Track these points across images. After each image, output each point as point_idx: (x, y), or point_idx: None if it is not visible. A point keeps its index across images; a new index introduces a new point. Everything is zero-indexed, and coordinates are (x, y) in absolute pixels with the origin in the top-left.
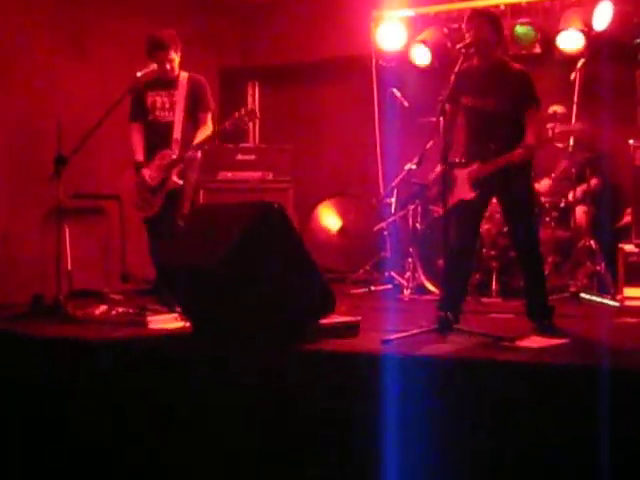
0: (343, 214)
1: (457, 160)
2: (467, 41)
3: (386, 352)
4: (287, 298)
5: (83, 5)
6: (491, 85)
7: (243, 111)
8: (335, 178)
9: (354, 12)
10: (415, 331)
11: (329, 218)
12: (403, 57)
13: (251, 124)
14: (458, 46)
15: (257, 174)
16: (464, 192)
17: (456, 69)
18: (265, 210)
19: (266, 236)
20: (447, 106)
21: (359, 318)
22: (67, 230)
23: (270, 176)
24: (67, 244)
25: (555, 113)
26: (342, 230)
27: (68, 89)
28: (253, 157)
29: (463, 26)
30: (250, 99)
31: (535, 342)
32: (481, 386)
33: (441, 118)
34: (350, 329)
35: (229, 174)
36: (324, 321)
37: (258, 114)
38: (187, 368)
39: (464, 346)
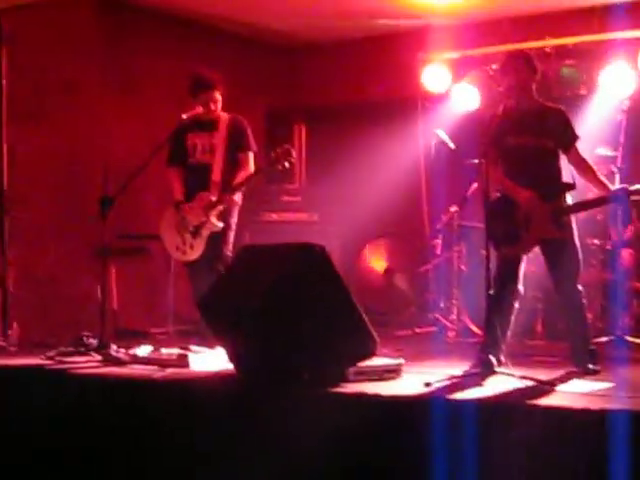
0: (389, 255)
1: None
2: (508, 84)
3: (427, 396)
4: (328, 340)
5: (134, 46)
6: (531, 125)
7: (279, 151)
8: (381, 219)
9: (400, 54)
10: (457, 374)
11: (375, 259)
12: (449, 98)
13: (297, 164)
14: (499, 89)
15: (303, 215)
16: (547, 230)
17: (496, 112)
18: (307, 251)
19: (308, 278)
20: (489, 149)
21: (402, 361)
22: (113, 270)
23: (315, 217)
24: (113, 284)
25: (601, 155)
26: (388, 271)
27: (115, 130)
28: (299, 198)
29: (499, 69)
30: (297, 140)
31: (577, 387)
32: (519, 431)
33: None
34: (392, 372)
35: (274, 215)
36: (365, 364)
37: (294, 154)
38: (225, 411)
39: (505, 390)
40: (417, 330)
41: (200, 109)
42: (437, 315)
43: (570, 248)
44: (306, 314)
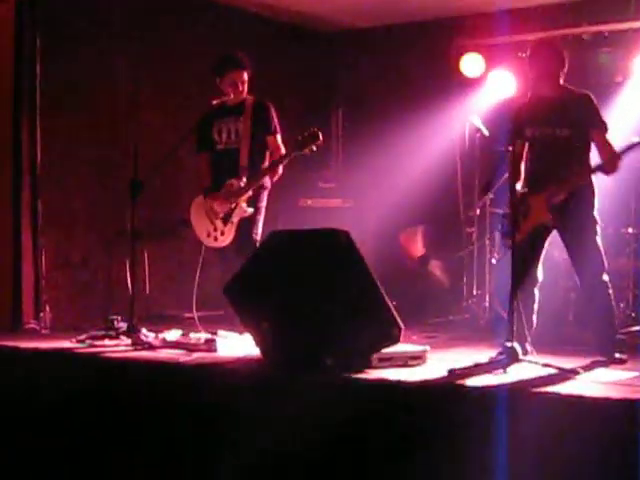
0: (424, 242)
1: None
2: (535, 73)
3: (449, 382)
4: (352, 326)
5: (163, 34)
6: (557, 114)
7: (306, 134)
8: (417, 206)
9: (437, 41)
10: (482, 362)
11: (410, 246)
12: (485, 85)
13: (335, 150)
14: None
15: (337, 201)
16: (541, 216)
17: (523, 101)
18: (332, 237)
19: (332, 263)
20: (514, 138)
21: (427, 347)
22: (146, 254)
23: (350, 203)
24: (146, 268)
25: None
26: (423, 258)
27: (148, 115)
28: (334, 184)
29: (527, 58)
30: (334, 126)
31: (601, 375)
32: (541, 418)
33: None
34: (417, 358)
35: (309, 201)
36: (390, 350)
37: (321, 137)
38: (249, 395)
39: (527, 378)
40: (450, 317)
41: (231, 96)
42: (470, 302)
43: (588, 241)
44: (330, 300)
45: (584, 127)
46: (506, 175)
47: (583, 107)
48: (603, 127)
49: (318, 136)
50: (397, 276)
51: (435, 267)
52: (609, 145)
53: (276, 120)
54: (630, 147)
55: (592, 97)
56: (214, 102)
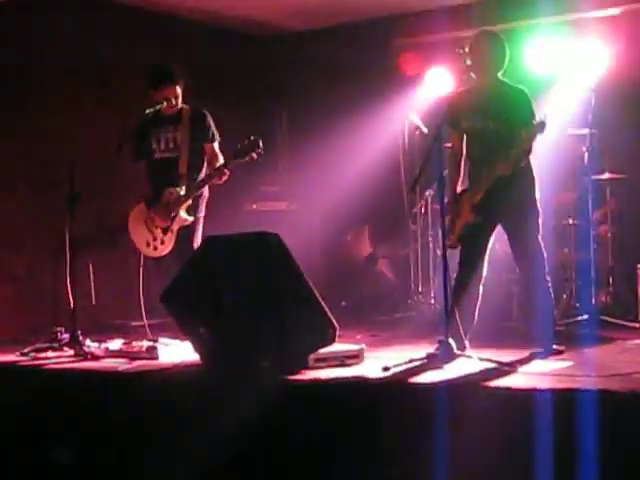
0: (371, 241)
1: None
2: (474, 63)
3: (381, 380)
4: (286, 328)
5: (105, 39)
6: (490, 107)
7: (246, 142)
8: (362, 206)
9: (375, 40)
10: (417, 358)
11: (357, 246)
12: (423, 82)
13: (279, 154)
14: (458, 68)
15: (283, 204)
16: (467, 216)
17: (453, 94)
18: (262, 240)
19: (264, 267)
20: (451, 132)
21: (363, 346)
22: (90, 265)
23: (295, 206)
24: (91, 279)
25: (571, 135)
26: (370, 257)
27: (87, 125)
28: (278, 188)
29: (468, 47)
30: (278, 129)
31: (537, 367)
32: (467, 412)
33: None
34: (353, 357)
35: (254, 205)
36: (326, 350)
37: (261, 144)
38: (190, 399)
39: (461, 373)
40: (396, 315)
41: (164, 105)
42: (416, 299)
43: (529, 238)
44: (264, 302)
45: (512, 122)
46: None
47: (515, 102)
48: (529, 120)
49: (258, 144)
50: (345, 276)
51: (383, 265)
52: (526, 144)
53: (214, 127)
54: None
55: (526, 93)
56: (147, 111)
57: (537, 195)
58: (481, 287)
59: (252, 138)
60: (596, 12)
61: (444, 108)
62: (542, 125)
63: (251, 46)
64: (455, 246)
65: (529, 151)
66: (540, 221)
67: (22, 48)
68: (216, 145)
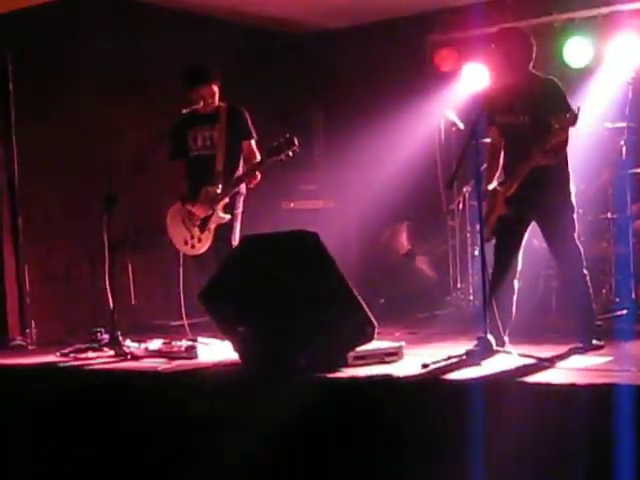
0: (409, 238)
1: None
2: (500, 62)
3: (422, 376)
4: (324, 326)
5: (139, 43)
6: (522, 102)
7: (282, 140)
8: (400, 202)
9: (411, 37)
10: (456, 355)
11: (395, 242)
12: (459, 78)
13: (316, 152)
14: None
15: (319, 202)
16: (500, 209)
17: (487, 90)
18: (300, 239)
19: (302, 265)
20: (488, 128)
21: (402, 343)
22: (130, 265)
23: (332, 204)
24: (130, 279)
25: (608, 129)
26: (408, 254)
27: (124, 126)
28: (315, 186)
29: (493, 46)
30: (314, 127)
31: (576, 362)
32: (507, 408)
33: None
34: (392, 354)
35: (292, 203)
36: (365, 348)
37: (296, 142)
38: (231, 398)
39: (501, 369)
40: (436, 312)
41: (201, 104)
42: (454, 296)
43: (564, 235)
44: (302, 301)
45: (545, 113)
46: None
47: (546, 93)
48: (562, 111)
49: (293, 142)
50: (384, 274)
51: (421, 262)
52: (561, 134)
53: (251, 125)
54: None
55: (557, 83)
56: (184, 111)
57: (572, 191)
58: (516, 282)
59: (287, 136)
60: (631, 4)
61: (480, 104)
62: (574, 117)
63: (286, 45)
64: (489, 239)
65: (565, 142)
66: (575, 216)
67: (57, 50)
68: (253, 142)
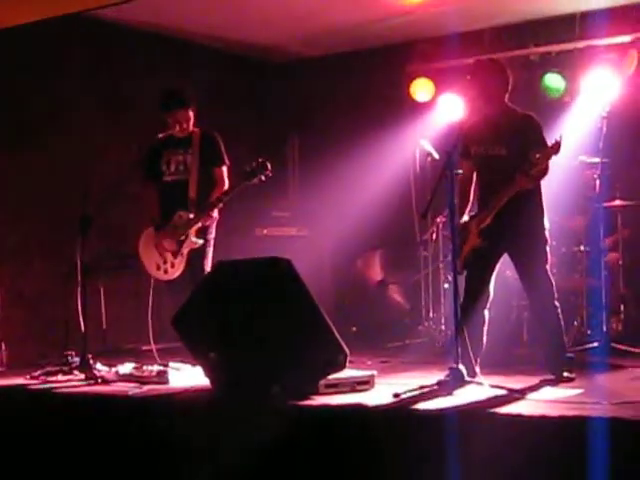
0: (382, 267)
1: (473, 213)
2: (476, 93)
3: (392, 406)
4: (297, 354)
5: (121, 66)
6: (499, 133)
7: (255, 164)
8: (373, 231)
9: (388, 67)
10: (428, 385)
11: (368, 271)
12: (435, 109)
13: (291, 179)
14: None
15: (293, 229)
16: (474, 240)
17: (463, 121)
18: (273, 266)
19: (275, 292)
20: (460, 160)
21: (374, 372)
22: (102, 289)
23: (305, 231)
24: (102, 302)
25: (583, 162)
26: (381, 283)
27: (102, 149)
28: (289, 213)
29: (469, 77)
30: (289, 155)
31: (547, 394)
32: (478, 439)
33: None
34: (364, 383)
35: (265, 230)
36: (337, 376)
37: (269, 167)
38: (200, 424)
39: (471, 399)
40: (407, 341)
41: (177, 129)
42: (426, 325)
43: (536, 267)
44: (274, 328)
45: (522, 147)
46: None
47: (524, 127)
48: (539, 145)
49: (266, 166)
50: (356, 302)
51: (394, 291)
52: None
53: (223, 151)
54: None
55: (534, 117)
56: (160, 135)
57: (546, 224)
58: (486, 312)
59: (260, 160)
60: (607, 39)
61: (455, 135)
62: (557, 145)
63: (263, 72)
64: (461, 272)
65: (545, 172)
66: (548, 249)
67: (38, 75)
68: (224, 169)
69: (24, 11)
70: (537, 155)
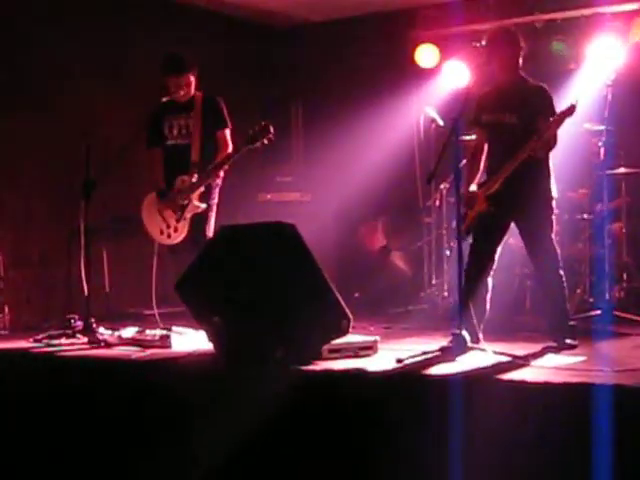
0: (385, 233)
1: (482, 181)
2: (491, 61)
3: (396, 371)
4: (300, 319)
5: (122, 29)
6: (511, 102)
7: (257, 128)
8: (376, 198)
9: (392, 33)
10: (430, 351)
11: (371, 238)
12: (439, 75)
13: (295, 145)
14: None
15: (296, 195)
16: (480, 206)
17: (472, 88)
18: (278, 231)
19: (279, 257)
20: (472, 128)
21: (377, 337)
22: (104, 252)
23: (308, 197)
24: (105, 266)
25: (587, 130)
26: (384, 249)
27: (104, 113)
28: (292, 178)
29: (484, 47)
30: (294, 121)
31: (550, 361)
32: (481, 405)
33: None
34: (367, 349)
35: (268, 195)
36: (340, 341)
37: (272, 130)
38: (203, 388)
39: (475, 365)
40: (410, 307)
41: (181, 93)
42: (429, 292)
43: (542, 236)
44: (278, 293)
45: (533, 116)
46: (463, 163)
47: (536, 98)
48: (549, 115)
49: (269, 129)
50: (359, 268)
51: (396, 258)
52: (544, 134)
53: (226, 114)
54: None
55: (546, 89)
56: (163, 99)
57: (554, 192)
58: (490, 279)
59: (263, 124)
60: (614, 7)
61: (462, 102)
62: (572, 109)
63: (266, 37)
64: (465, 237)
65: (554, 142)
66: (554, 217)
67: (37, 37)
68: (227, 132)
69: None
70: (551, 118)
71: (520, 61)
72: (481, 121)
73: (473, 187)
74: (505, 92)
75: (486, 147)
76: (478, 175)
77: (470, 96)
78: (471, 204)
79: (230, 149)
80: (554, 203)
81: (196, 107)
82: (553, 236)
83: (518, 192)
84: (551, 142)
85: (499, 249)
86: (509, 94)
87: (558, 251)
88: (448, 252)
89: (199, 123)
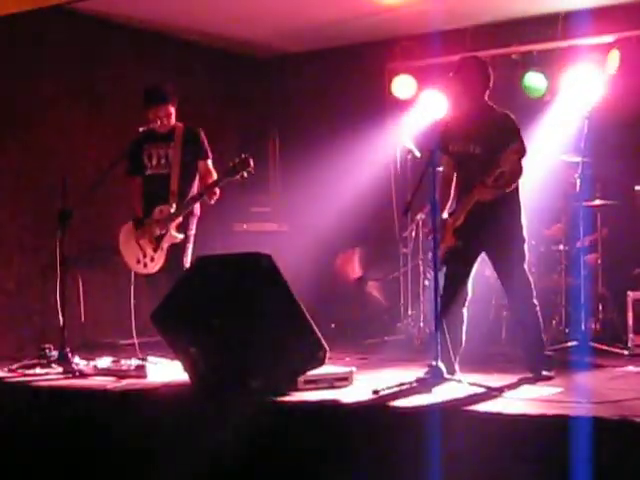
0: (361, 264)
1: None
2: (459, 90)
3: (371, 403)
4: (276, 349)
5: (102, 61)
6: (476, 132)
7: (237, 160)
8: (353, 228)
9: (369, 64)
10: (407, 382)
11: (347, 268)
12: (416, 106)
13: (272, 176)
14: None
15: (273, 225)
16: (448, 240)
17: (446, 117)
18: (254, 261)
19: (255, 287)
20: (441, 156)
21: (353, 369)
22: (80, 282)
23: (285, 227)
24: (81, 296)
25: (564, 162)
26: (360, 280)
27: (81, 144)
28: (269, 209)
29: (452, 75)
30: (271, 152)
31: (526, 392)
32: (457, 437)
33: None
34: (343, 380)
35: (245, 225)
36: (316, 372)
37: (252, 163)
38: (179, 419)
39: (451, 397)
40: (385, 338)
41: (158, 124)
42: (405, 323)
43: (514, 266)
44: (255, 323)
45: (497, 147)
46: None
47: (501, 127)
48: (513, 143)
49: (249, 163)
50: (335, 299)
51: (373, 288)
52: (508, 165)
53: (207, 145)
54: None
55: (512, 117)
56: (141, 129)
57: (523, 222)
58: (465, 310)
59: (243, 156)
60: (590, 39)
61: (437, 133)
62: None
63: (244, 68)
64: (440, 268)
65: (515, 176)
66: (526, 247)
67: (17, 70)
68: (209, 162)
69: (4, 2)
70: (500, 156)
71: (487, 88)
72: (448, 150)
73: (445, 215)
74: (471, 121)
75: (455, 176)
76: (448, 204)
77: (443, 125)
78: (441, 234)
79: (213, 178)
80: (525, 232)
81: (176, 138)
82: (526, 266)
83: (485, 224)
84: (504, 185)
85: (470, 280)
86: (474, 123)
87: (532, 281)
88: (427, 282)
89: (179, 153)
